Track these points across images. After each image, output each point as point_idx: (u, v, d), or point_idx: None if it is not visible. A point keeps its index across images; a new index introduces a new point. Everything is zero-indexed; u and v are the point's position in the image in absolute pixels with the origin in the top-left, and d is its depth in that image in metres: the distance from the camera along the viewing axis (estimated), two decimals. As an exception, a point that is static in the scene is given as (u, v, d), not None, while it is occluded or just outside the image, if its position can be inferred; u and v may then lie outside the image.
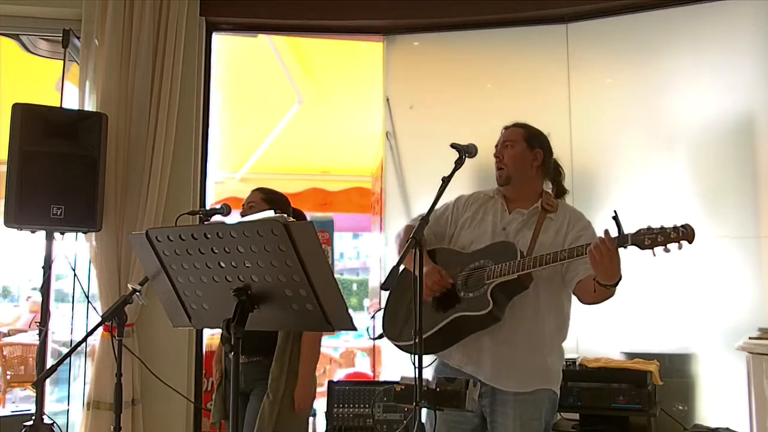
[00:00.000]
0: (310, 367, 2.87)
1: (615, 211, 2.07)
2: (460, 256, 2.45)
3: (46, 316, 3.42)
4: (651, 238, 2.04)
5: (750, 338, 3.05)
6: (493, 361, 2.35)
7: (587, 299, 2.31)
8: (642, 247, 2.05)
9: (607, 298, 2.21)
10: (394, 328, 2.46)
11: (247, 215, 2.88)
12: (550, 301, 2.39)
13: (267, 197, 3.02)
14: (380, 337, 2.55)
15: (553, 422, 3.16)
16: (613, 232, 2.08)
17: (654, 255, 2.04)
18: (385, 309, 2.54)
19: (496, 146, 2.54)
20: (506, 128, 2.58)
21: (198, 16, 4.01)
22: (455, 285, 2.38)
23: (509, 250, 2.33)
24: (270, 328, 1.83)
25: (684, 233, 2.01)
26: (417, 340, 1.98)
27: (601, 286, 2.12)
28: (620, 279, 2.11)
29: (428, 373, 2.31)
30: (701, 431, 3.21)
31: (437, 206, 2.33)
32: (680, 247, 2.01)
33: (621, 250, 2.08)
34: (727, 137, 3.61)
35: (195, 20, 3.99)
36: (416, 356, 1.99)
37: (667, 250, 2.02)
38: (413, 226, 2.52)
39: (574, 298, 2.43)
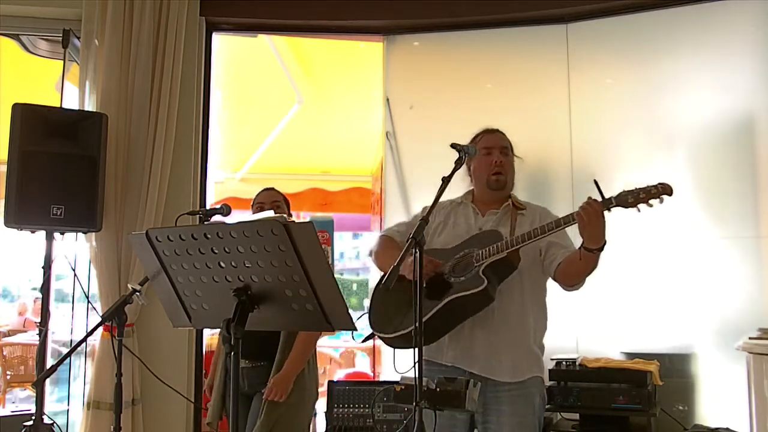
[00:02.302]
0: (297, 362, 2.81)
1: (595, 180, 2.18)
2: (442, 252, 2.48)
3: (46, 316, 3.42)
4: (634, 196, 2.16)
5: (750, 338, 3.05)
6: (486, 352, 2.38)
7: (570, 278, 2.35)
8: (626, 205, 2.16)
9: (591, 269, 2.26)
10: (384, 324, 2.43)
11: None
12: (533, 292, 2.46)
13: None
14: (370, 337, 2.54)
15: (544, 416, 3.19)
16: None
17: (639, 211, 2.16)
18: (370, 309, 2.53)
19: (490, 150, 2.54)
20: (494, 132, 2.60)
21: (198, 16, 4.01)
22: (443, 273, 2.39)
23: (494, 235, 2.39)
24: (270, 328, 1.83)
25: (663, 188, 2.16)
26: (417, 341, 1.97)
27: (588, 251, 2.17)
28: (605, 244, 2.17)
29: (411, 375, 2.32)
30: (701, 431, 3.21)
31: (408, 218, 2.46)
32: (661, 201, 2.14)
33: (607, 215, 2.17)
34: (727, 137, 3.61)
35: (195, 20, 3.99)
36: (416, 356, 1.98)
37: (650, 205, 2.14)
38: (390, 237, 2.60)
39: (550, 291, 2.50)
